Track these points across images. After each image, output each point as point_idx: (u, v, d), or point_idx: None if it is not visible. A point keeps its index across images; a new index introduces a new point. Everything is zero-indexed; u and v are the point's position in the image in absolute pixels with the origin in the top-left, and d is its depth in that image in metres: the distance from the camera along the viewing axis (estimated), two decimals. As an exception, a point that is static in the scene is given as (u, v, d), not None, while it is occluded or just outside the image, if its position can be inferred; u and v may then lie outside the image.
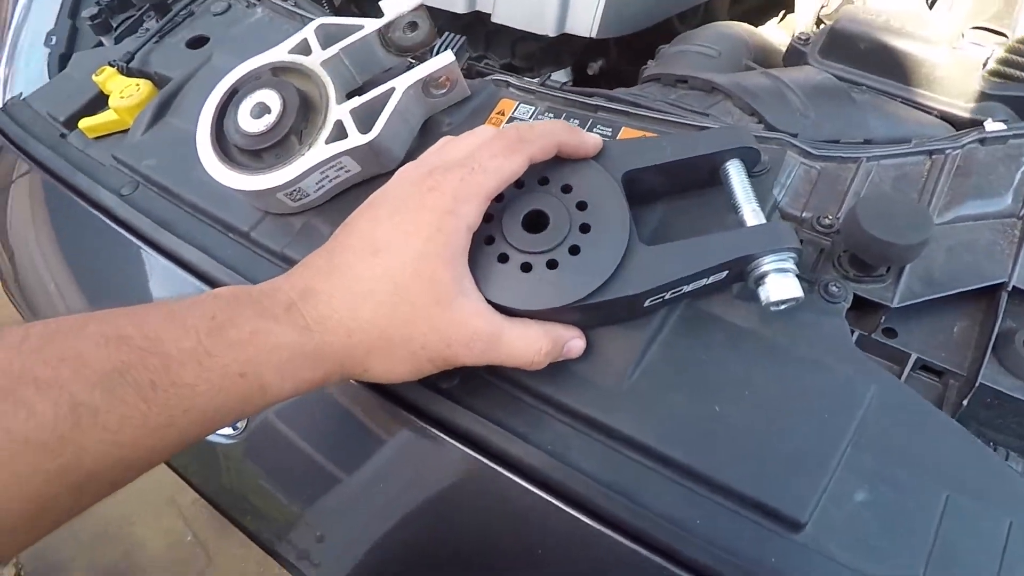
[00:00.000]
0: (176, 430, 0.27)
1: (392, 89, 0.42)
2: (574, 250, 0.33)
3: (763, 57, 0.56)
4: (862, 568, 0.30)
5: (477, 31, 0.70)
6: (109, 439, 0.25)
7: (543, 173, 0.35)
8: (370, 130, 0.41)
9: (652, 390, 0.35)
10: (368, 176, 0.45)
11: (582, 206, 0.34)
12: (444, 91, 0.45)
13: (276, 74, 0.44)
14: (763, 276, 0.33)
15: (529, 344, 0.32)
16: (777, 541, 0.31)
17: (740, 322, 0.36)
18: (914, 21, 0.47)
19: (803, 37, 0.51)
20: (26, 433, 0.23)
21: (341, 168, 0.43)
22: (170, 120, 0.54)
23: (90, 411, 0.24)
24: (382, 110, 0.42)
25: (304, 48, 0.44)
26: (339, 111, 0.42)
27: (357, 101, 0.42)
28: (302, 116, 0.42)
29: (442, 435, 0.37)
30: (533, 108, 0.45)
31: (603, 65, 0.69)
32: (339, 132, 0.42)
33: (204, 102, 0.44)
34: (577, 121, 0.44)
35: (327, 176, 0.43)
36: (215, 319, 0.28)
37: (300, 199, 0.43)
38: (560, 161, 0.35)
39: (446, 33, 0.51)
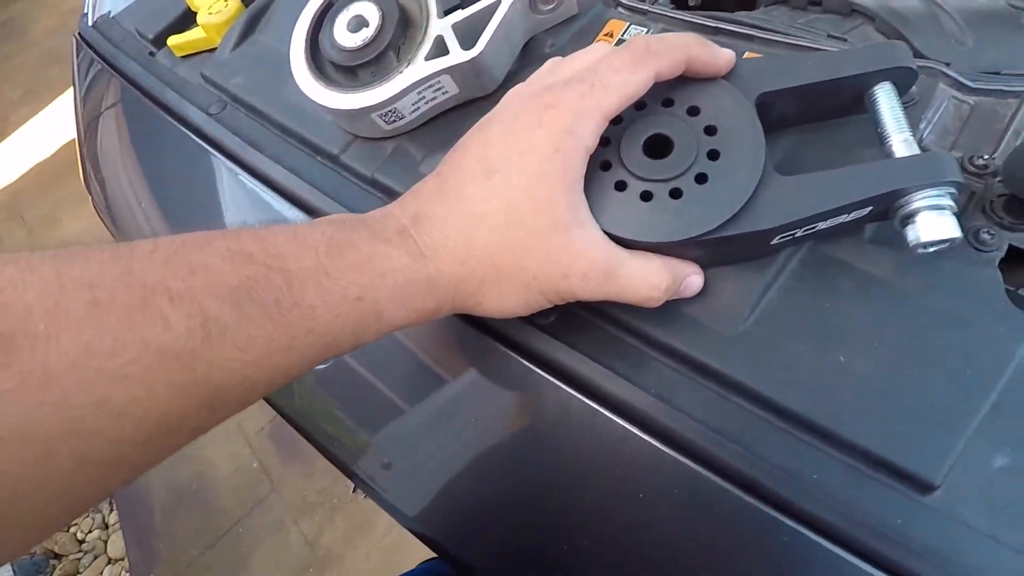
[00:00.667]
0: (297, 352, 0.26)
1: (497, 2, 0.39)
2: (701, 178, 0.30)
3: None
4: (998, 535, 0.28)
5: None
6: (237, 356, 0.24)
7: (667, 93, 0.32)
8: (472, 47, 0.39)
9: (769, 336, 0.32)
10: (466, 99, 0.42)
11: (711, 130, 0.31)
12: (551, 6, 0.42)
13: (373, -15, 0.42)
14: (914, 213, 0.29)
15: (648, 278, 0.30)
16: (904, 502, 0.29)
17: (872, 269, 0.33)
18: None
19: None
20: (161, 344, 0.22)
21: (439, 88, 0.40)
22: (259, 38, 0.53)
23: (220, 327, 0.24)
24: (485, 26, 0.39)
25: (405, -42, 0.42)
26: (440, 25, 0.40)
27: (460, 15, 0.40)
28: (401, 30, 0.40)
29: (538, 370, 0.36)
30: (645, 30, 0.42)
31: None
32: (439, 49, 0.39)
33: (294, 19, 0.42)
34: None
35: (423, 97, 0.41)
36: (333, 239, 0.27)
37: (394, 121, 0.42)
38: (686, 80, 0.31)
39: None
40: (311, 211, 0.44)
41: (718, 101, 0.31)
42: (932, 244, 0.29)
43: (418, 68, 0.39)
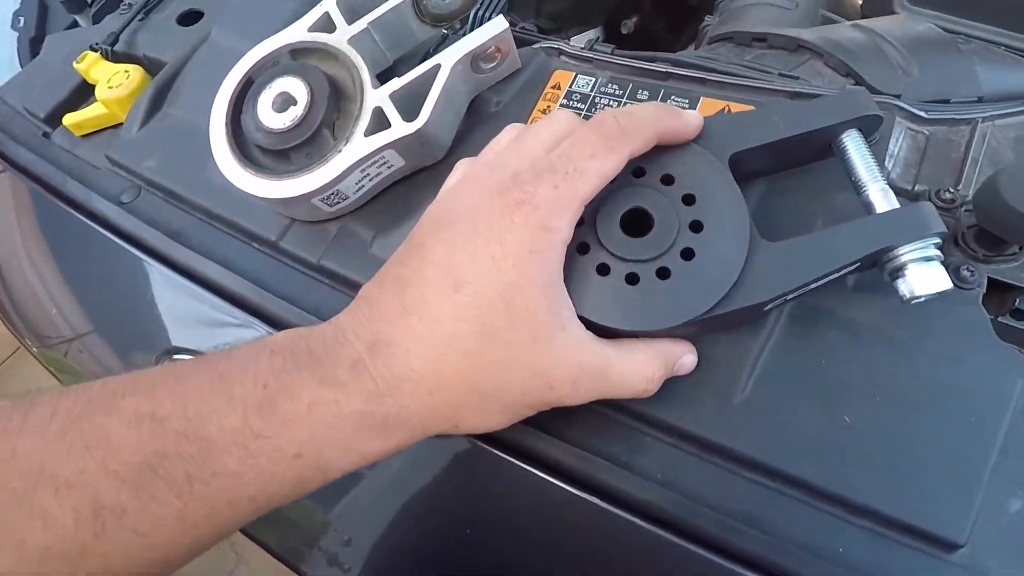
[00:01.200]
0: (221, 519, 0.23)
1: (437, 66, 0.36)
2: (687, 254, 0.28)
3: (836, 5, 0.50)
4: None
5: (492, -12, 0.63)
6: (140, 542, 0.21)
7: (638, 162, 0.29)
8: (416, 116, 0.36)
9: (770, 402, 0.31)
10: (413, 169, 0.39)
11: (689, 199, 0.29)
12: (494, 64, 0.39)
13: (296, 57, 0.38)
14: (903, 267, 0.28)
15: (640, 371, 0.28)
16: (933, 563, 0.28)
17: (860, 316, 0.32)
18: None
19: None
20: (43, 544, 0.20)
21: (384, 163, 0.37)
22: (170, 112, 0.48)
23: (116, 514, 0.21)
24: (427, 92, 0.36)
25: (326, 24, 0.38)
26: (377, 96, 0.36)
27: (397, 84, 0.36)
28: (334, 104, 0.36)
29: (532, 469, 0.33)
30: (593, 79, 0.40)
31: (637, 22, 0.63)
32: (379, 121, 0.36)
33: (208, 89, 0.38)
34: (648, 93, 0.38)
35: (368, 174, 0.37)
36: (267, 388, 0.24)
37: (337, 203, 0.38)
38: (655, 147, 0.30)
39: (478, -5, 0.45)
40: (250, 307, 0.40)
41: (692, 167, 0.29)
42: (924, 296, 0.28)
43: (358, 145, 0.36)
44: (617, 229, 0.28)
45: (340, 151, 0.36)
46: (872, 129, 0.32)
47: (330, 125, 0.36)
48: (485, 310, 0.25)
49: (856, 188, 0.30)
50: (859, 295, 0.32)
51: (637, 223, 0.29)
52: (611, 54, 0.41)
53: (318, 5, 0.38)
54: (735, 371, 0.31)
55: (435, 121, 0.36)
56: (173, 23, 0.52)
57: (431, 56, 0.37)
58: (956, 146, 0.36)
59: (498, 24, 0.37)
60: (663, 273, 0.28)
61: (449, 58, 0.36)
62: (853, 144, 0.31)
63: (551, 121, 0.30)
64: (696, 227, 0.28)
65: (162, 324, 0.44)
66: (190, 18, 0.53)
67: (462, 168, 0.31)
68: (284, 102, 0.36)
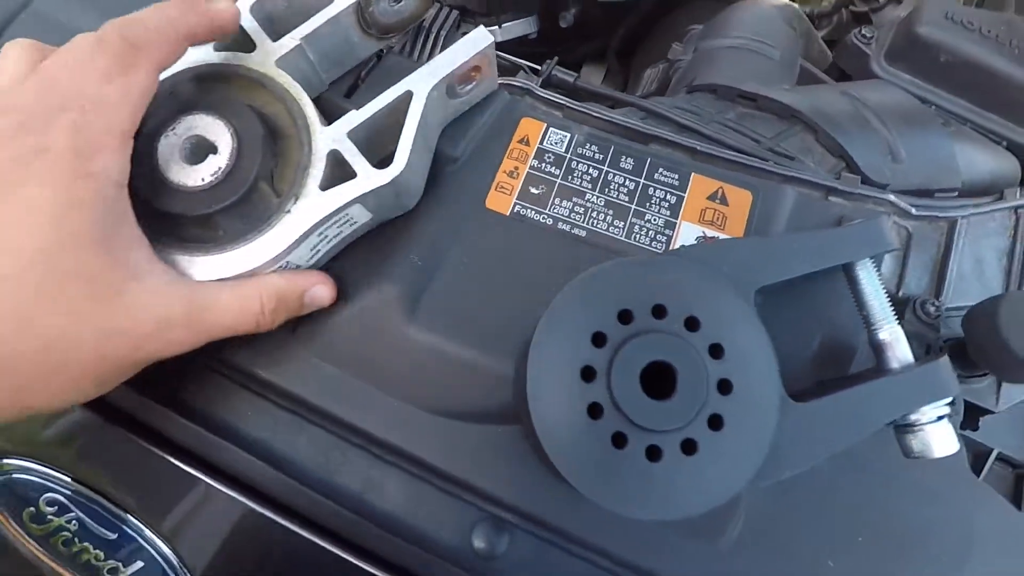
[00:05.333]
0: None
1: (409, 94, 0.29)
2: (715, 422, 0.24)
3: (806, 44, 0.49)
4: None
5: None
6: None
7: (657, 298, 0.24)
8: (383, 159, 0.28)
9: (757, 550, 0.29)
10: (379, 223, 0.31)
11: (717, 351, 0.24)
12: (471, 85, 0.32)
13: (205, 87, 0.28)
14: (917, 426, 0.27)
15: (248, 306, 0.27)
16: None
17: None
18: (1010, 32, 0.42)
19: (867, 35, 0.44)
20: None
21: (346, 222, 0.29)
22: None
23: None
24: (394, 127, 0.28)
25: (242, 41, 0.29)
26: (330, 136, 0.28)
27: (355, 118, 0.28)
28: (269, 151, 0.27)
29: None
30: (567, 135, 0.35)
31: (576, 14, 0.58)
32: (338, 169, 0.28)
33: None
34: (632, 161, 0.34)
35: (325, 236, 0.29)
36: None
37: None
38: (677, 274, 0.25)
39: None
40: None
41: (720, 309, 0.25)
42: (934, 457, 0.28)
43: (314, 202, 0.27)
44: (636, 387, 0.24)
45: (288, 211, 0.27)
46: (883, 256, 0.31)
47: (267, 177, 0.27)
48: (25, 282, 0.23)
49: (866, 321, 0.29)
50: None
51: (658, 378, 0.24)
52: (592, 107, 0.36)
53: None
54: (725, 513, 0.29)
55: (413, 164, 0.28)
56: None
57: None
58: (932, 243, 0.35)
59: (481, 38, 0.30)
60: (689, 447, 0.23)
61: (423, 83, 0.29)
62: (867, 278, 0.29)
63: (58, 52, 0.25)
64: (725, 387, 0.24)
65: None
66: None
67: None
68: (197, 149, 0.26)
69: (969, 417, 0.34)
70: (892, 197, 0.35)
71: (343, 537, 0.29)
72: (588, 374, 0.23)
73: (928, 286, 0.35)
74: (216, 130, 0.26)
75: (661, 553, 0.28)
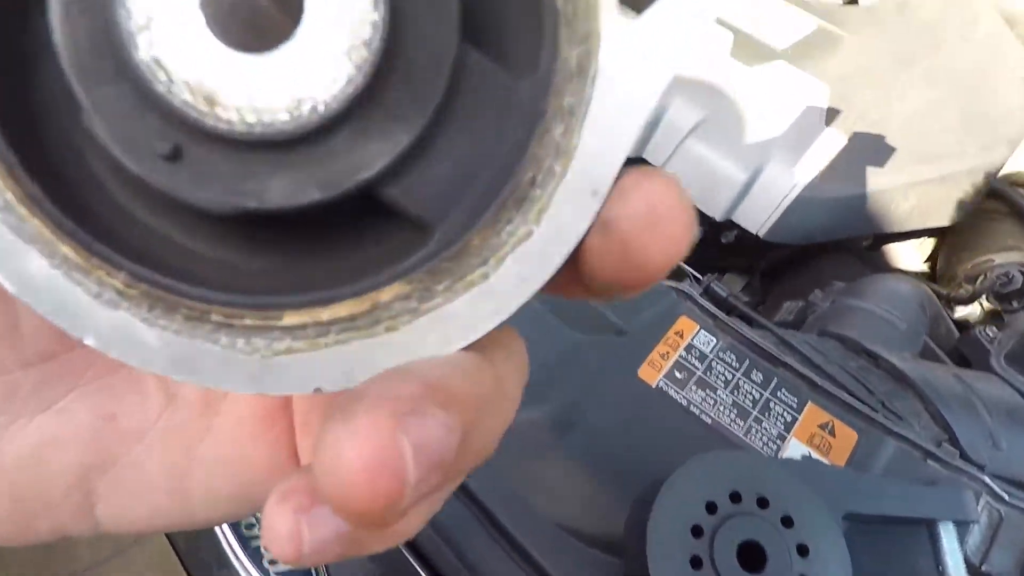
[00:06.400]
0: None
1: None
2: None
3: (934, 324, 0.57)
4: None
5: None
6: None
7: (764, 491, 0.32)
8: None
9: None
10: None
11: (803, 550, 0.31)
12: None
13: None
14: None
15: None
16: None
17: None
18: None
19: (990, 334, 0.53)
20: None
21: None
22: None
23: None
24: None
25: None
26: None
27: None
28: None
29: None
30: (714, 340, 0.44)
31: (737, 235, 0.70)
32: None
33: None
34: (761, 376, 0.42)
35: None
36: None
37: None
38: (784, 477, 0.32)
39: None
40: None
41: (812, 519, 0.31)
42: None
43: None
44: (732, 556, 0.30)
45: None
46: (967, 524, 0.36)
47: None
48: None
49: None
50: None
51: (752, 554, 0.30)
52: (729, 317, 0.45)
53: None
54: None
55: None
56: None
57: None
58: (1022, 532, 0.39)
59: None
60: None
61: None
62: (948, 540, 0.34)
63: None
64: None
65: None
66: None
67: None
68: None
69: None
70: (987, 479, 0.39)
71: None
72: (697, 531, 0.30)
73: (1012, 569, 0.38)
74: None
75: None
